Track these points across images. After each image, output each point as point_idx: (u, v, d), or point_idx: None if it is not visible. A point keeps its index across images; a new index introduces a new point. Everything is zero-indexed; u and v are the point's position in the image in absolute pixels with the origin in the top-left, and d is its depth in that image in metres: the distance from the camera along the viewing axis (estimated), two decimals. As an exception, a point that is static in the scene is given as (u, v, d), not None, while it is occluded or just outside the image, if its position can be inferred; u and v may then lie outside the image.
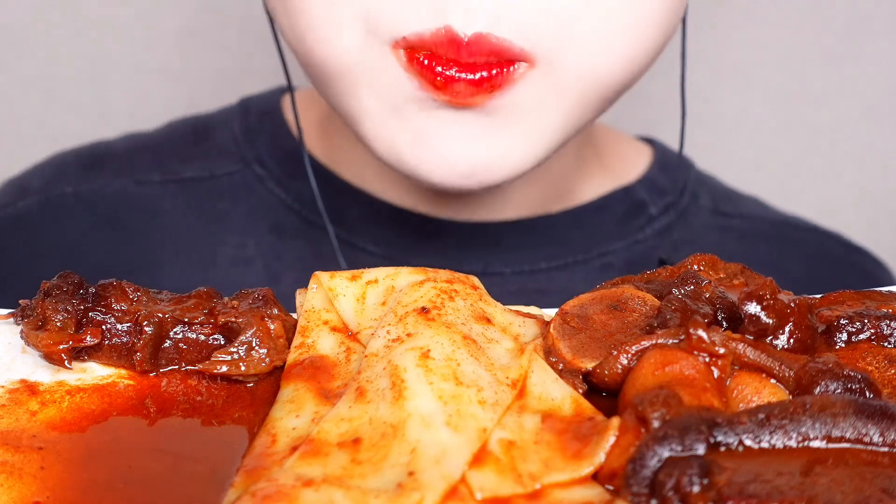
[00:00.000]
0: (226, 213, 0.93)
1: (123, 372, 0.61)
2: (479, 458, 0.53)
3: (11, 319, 0.64)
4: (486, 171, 0.74)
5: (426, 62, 0.69)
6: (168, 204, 0.93)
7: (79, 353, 0.61)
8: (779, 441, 0.51)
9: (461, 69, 0.69)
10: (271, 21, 0.84)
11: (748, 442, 0.51)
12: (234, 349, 0.61)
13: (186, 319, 0.61)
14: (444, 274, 0.63)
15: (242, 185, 0.93)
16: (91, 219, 0.93)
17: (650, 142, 0.99)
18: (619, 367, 0.57)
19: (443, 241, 0.90)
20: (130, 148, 0.97)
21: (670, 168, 0.96)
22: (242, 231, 0.92)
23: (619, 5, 0.71)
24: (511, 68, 0.70)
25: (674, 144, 1.00)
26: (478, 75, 0.69)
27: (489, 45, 0.69)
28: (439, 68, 0.69)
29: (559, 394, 0.57)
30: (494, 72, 0.69)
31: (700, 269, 0.65)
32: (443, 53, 0.69)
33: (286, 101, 0.96)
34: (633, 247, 0.92)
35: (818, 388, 0.54)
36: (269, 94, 0.98)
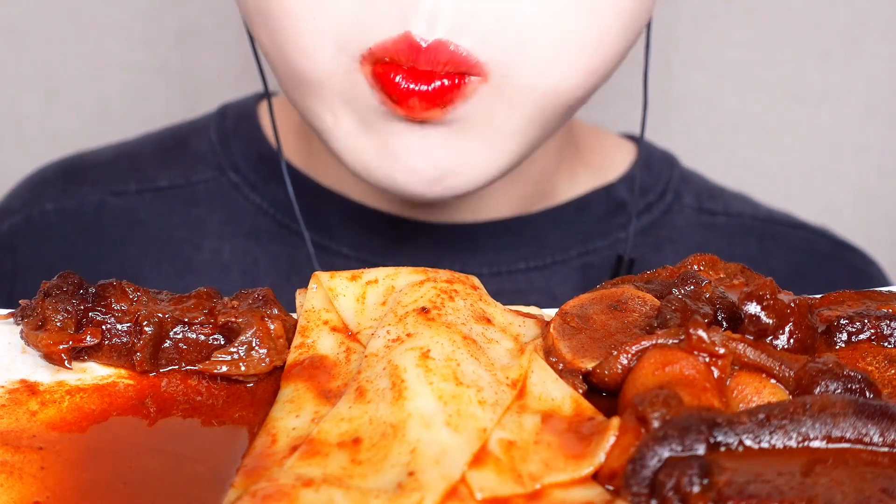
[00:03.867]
0: (202, 219, 0.93)
1: (123, 372, 0.61)
2: (479, 458, 0.53)
3: (11, 319, 0.64)
4: (452, 178, 0.75)
5: (385, 72, 0.71)
6: (145, 213, 0.94)
7: (79, 353, 0.61)
8: (779, 441, 0.51)
9: (418, 79, 0.70)
10: (248, 29, 0.84)
11: (748, 442, 0.51)
12: (234, 349, 0.61)
13: (186, 319, 0.61)
14: (444, 274, 0.63)
15: (218, 192, 0.94)
16: (73, 233, 0.94)
17: (634, 139, 0.99)
18: (619, 367, 0.57)
19: (419, 243, 0.90)
20: (109, 158, 0.98)
21: (653, 165, 0.96)
22: (218, 237, 0.93)
23: (578, 18, 0.71)
24: (465, 81, 0.71)
25: (664, 144, 1.00)
26: (432, 86, 0.70)
27: (447, 53, 0.70)
28: (398, 78, 0.70)
29: (559, 394, 0.57)
30: (447, 82, 0.71)
31: (700, 269, 0.65)
32: (402, 61, 0.70)
33: (263, 107, 0.97)
34: (614, 246, 0.92)
35: (818, 388, 0.54)
36: (246, 101, 0.98)
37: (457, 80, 0.71)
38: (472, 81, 0.71)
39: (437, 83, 0.70)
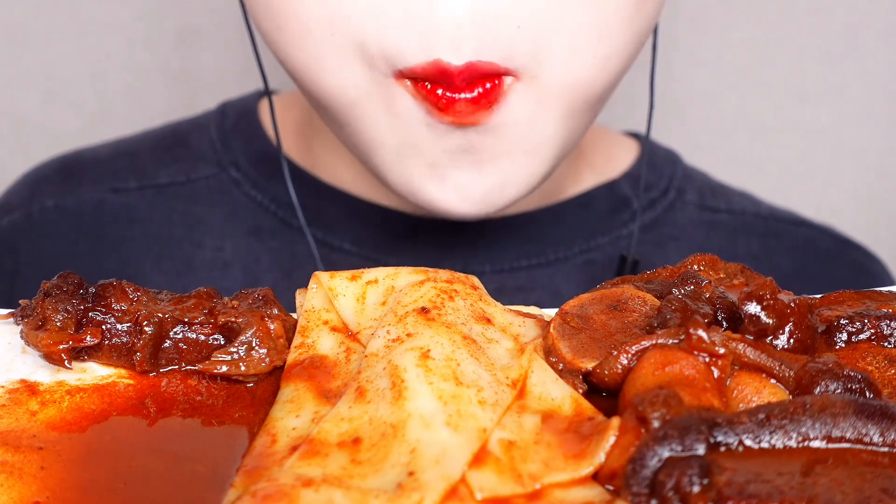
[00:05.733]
0: (203, 216, 0.93)
1: (123, 372, 0.61)
2: (479, 458, 0.53)
3: (11, 319, 0.64)
4: (496, 195, 0.76)
5: (429, 86, 0.71)
6: (146, 210, 0.94)
7: (79, 353, 0.61)
8: (779, 441, 0.51)
9: (458, 90, 0.71)
10: (248, 26, 0.84)
11: (748, 442, 0.51)
12: (234, 349, 0.61)
13: (186, 319, 0.61)
14: (443, 274, 0.63)
15: (219, 189, 0.94)
16: (73, 230, 0.94)
17: (637, 137, 0.99)
18: (619, 367, 0.57)
19: (421, 240, 0.90)
20: (109, 155, 0.98)
21: (657, 163, 0.96)
22: (220, 234, 0.93)
23: (587, 15, 0.72)
24: (501, 79, 0.72)
25: (668, 144, 1.00)
26: (475, 92, 0.71)
27: (479, 72, 0.71)
28: (440, 91, 0.71)
29: (559, 394, 0.57)
30: (489, 85, 0.71)
31: (700, 269, 0.65)
32: (435, 81, 0.71)
33: (263, 105, 0.97)
34: (616, 242, 0.92)
35: (818, 388, 0.54)
36: (247, 98, 0.98)
37: (497, 81, 0.71)
38: (507, 79, 0.72)
39: (479, 89, 0.71)
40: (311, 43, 0.73)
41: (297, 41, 0.74)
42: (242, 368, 0.60)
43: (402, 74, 0.71)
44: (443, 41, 0.70)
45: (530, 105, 0.73)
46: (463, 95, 0.71)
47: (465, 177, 0.75)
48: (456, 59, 0.70)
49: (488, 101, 0.71)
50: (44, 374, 0.61)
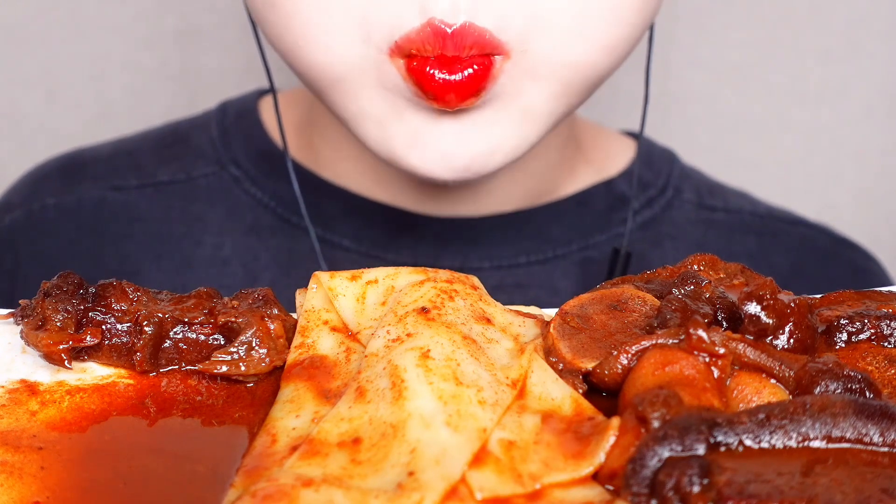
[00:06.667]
0: (202, 214, 0.94)
1: (123, 372, 0.61)
2: (479, 458, 0.53)
3: (11, 319, 0.64)
4: (482, 162, 0.76)
5: (420, 66, 0.71)
6: (146, 208, 0.94)
7: (79, 353, 0.61)
8: (779, 441, 0.51)
9: (450, 68, 0.71)
10: (253, 23, 0.85)
11: (748, 442, 0.51)
12: (234, 349, 0.61)
13: (186, 319, 0.62)
14: (443, 274, 0.63)
15: (218, 187, 0.94)
16: (73, 228, 0.94)
17: (635, 136, 0.99)
18: (619, 367, 0.57)
19: (421, 236, 0.90)
20: (109, 154, 0.98)
21: (654, 162, 0.97)
22: (219, 232, 0.93)
23: None
24: (491, 61, 0.72)
25: (664, 144, 1.01)
26: (464, 74, 0.71)
27: (472, 37, 0.71)
28: (433, 71, 0.71)
29: (559, 394, 0.57)
30: (476, 67, 0.71)
31: (700, 269, 0.65)
32: (430, 50, 0.71)
33: (263, 103, 0.97)
34: (614, 240, 0.93)
35: (818, 388, 0.54)
36: (247, 97, 0.99)
37: (485, 63, 0.71)
38: (496, 61, 0.72)
39: (469, 70, 0.71)
40: (303, 19, 0.74)
41: (289, 17, 0.74)
42: (242, 368, 0.60)
43: (398, 48, 0.71)
44: (437, 1, 0.70)
45: (518, 82, 0.73)
46: (454, 77, 0.71)
47: (449, 143, 0.75)
48: (450, 17, 0.70)
49: (476, 88, 0.72)
50: (44, 374, 0.61)
